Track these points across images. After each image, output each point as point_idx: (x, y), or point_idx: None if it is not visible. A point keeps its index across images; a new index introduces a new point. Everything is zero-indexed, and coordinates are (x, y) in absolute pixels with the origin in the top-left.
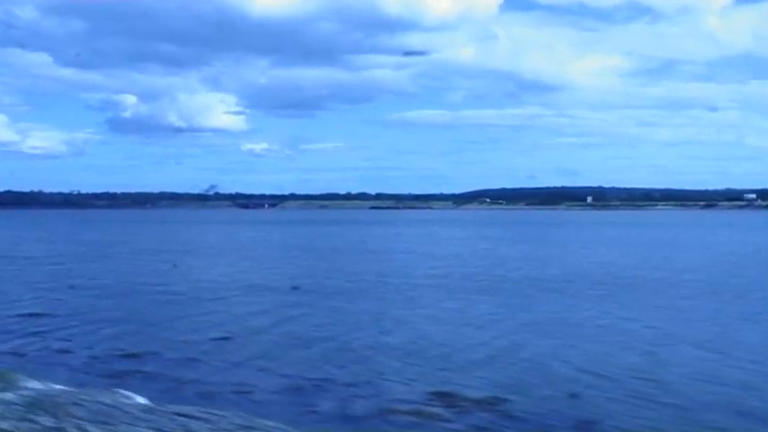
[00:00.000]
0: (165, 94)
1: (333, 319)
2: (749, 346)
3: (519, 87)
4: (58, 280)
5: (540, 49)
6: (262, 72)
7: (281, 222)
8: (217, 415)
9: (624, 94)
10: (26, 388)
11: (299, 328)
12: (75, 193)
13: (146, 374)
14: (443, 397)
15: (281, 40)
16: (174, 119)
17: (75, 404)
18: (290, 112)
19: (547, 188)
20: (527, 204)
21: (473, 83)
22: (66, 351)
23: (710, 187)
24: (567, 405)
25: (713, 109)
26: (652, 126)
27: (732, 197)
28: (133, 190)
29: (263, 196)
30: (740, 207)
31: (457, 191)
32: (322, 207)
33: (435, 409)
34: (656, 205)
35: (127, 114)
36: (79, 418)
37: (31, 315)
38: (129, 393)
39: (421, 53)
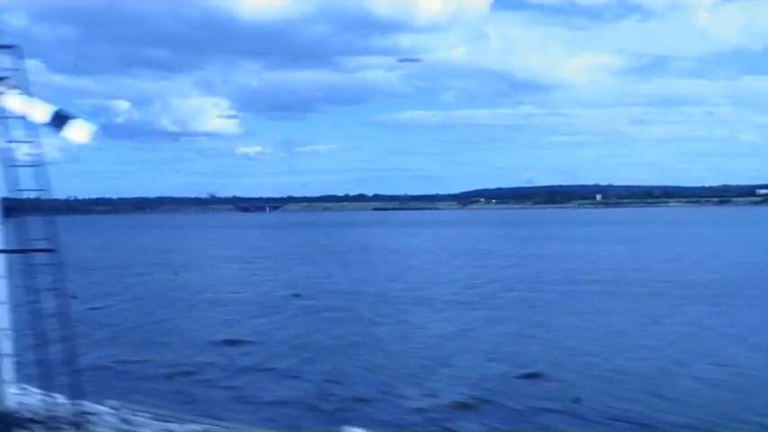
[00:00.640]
0: (158, 98)
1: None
2: None
3: (511, 87)
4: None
5: (532, 49)
6: (254, 75)
7: (300, 225)
8: None
9: (616, 92)
10: None
11: None
12: (72, 198)
13: None
14: None
15: (272, 43)
16: (167, 123)
17: None
18: (283, 115)
19: (543, 187)
20: (534, 203)
21: (465, 83)
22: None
23: (706, 184)
24: None
25: (709, 113)
26: (645, 123)
27: (729, 193)
28: (128, 195)
29: (263, 199)
30: (755, 203)
31: (453, 191)
32: (325, 209)
33: None
34: (668, 202)
35: (120, 120)
36: None
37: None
38: None
39: (415, 60)
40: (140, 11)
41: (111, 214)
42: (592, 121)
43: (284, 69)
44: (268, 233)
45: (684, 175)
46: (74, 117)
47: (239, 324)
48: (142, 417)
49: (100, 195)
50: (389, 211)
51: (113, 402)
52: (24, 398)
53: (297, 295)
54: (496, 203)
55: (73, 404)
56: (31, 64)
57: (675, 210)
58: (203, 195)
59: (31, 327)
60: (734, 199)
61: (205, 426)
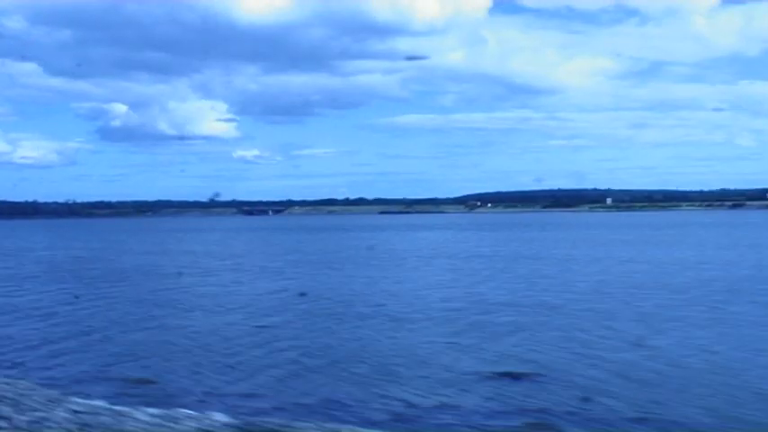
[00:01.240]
0: (155, 102)
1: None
2: None
3: (508, 91)
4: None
5: (529, 53)
6: (251, 79)
7: (316, 229)
8: None
9: (614, 96)
10: None
11: None
12: (71, 202)
13: None
14: None
15: (269, 47)
16: (164, 127)
17: None
18: (281, 119)
19: (542, 191)
20: (543, 207)
21: (463, 87)
22: None
23: (705, 188)
24: None
25: (718, 110)
26: (642, 127)
27: (729, 197)
28: (127, 198)
29: (266, 203)
30: None
31: (451, 194)
32: (329, 213)
33: None
34: (681, 206)
35: (117, 123)
36: None
37: None
38: None
39: (422, 57)
40: (138, 14)
41: (113, 217)
42: (589, 125)
43: (282, 73)
44: (297, 236)
45: (682, 179)
46: None
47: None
48: None
49: (98, 198)
50: (395, 215)
51: None
52: None
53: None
54: (505, 207)
55: None
56: (28, 67)
57: (690, 213)
58: (203, 199)
59: None
60: (747, 203)
61: None
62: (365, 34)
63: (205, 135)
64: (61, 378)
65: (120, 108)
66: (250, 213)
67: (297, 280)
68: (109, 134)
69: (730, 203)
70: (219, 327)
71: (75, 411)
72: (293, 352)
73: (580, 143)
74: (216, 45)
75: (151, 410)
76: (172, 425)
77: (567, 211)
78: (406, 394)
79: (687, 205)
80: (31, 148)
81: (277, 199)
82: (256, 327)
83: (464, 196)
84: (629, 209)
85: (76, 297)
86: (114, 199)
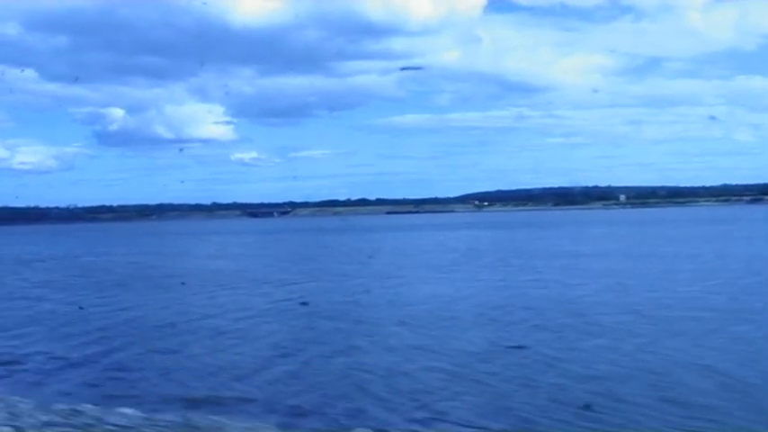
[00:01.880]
0: (152, 106)
1: None
2: None
3: (504, 89)
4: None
5: (524, 51)
6: (247, 81)
7: (331, 230)
8: None
9: (610, 93)
10: None
11: None
12: (72, 207)
13: None
14: None
15: (265, 49)
16: (162, 130)
17: None
18: (278, 121)
19: (541, 189)
20: (555, 205)
21: (458, 86)
22: None
23: (707, 183)
24: None
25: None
26: (639, 124)
27: (730, 192)
28: (126, 202)
29: (270, 205)
30: None
31: (450, 194)
32: (336, 214)
33: None
34: (698, 201)
35: (114, 127)
36: None
37: None
38: None
39: (418, 68)
40: (133, 19)
41: (117, 221)
42: (586, 122)
43: (278, 75)
44: (324, 239)
45: (681, 175)
46: None
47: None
48: None
49: (98, 203)
50: (404, 215)
51: None
52: None
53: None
54: (514, 205)
55: None
56: (25, 73)
57: (709, 208)
58: (204, 201)
59: None
60: (765, 197)
61: None
62: (360, 35)
63: (202, 138)
64: None
65: (117, 112)
66: (255, 216)
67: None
68: (106, 139)
69: (749, 198)
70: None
71: None
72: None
73: (577, 140)
74: (211, 48)
75: None
76: None
77: (580, 209)
78: None
79: (704, 201)
80: (29, 154)
81: (277, 201)
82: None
83: (464, 195)
84: (644, 205)
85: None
86: (114, 203)
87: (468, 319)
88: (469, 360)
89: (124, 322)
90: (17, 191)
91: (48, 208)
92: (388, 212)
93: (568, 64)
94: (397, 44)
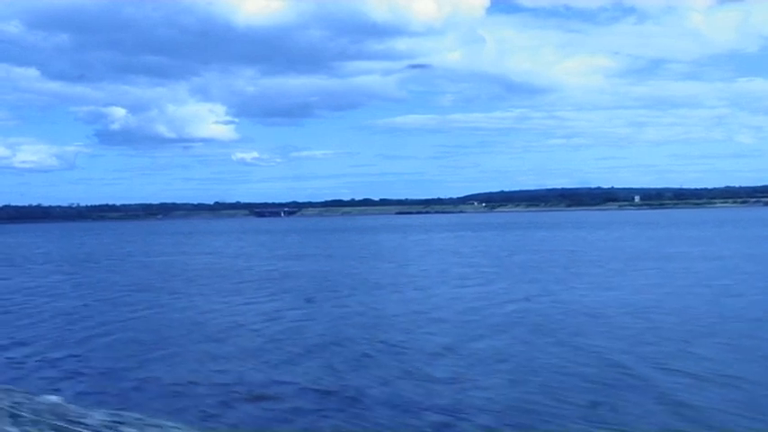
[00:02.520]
0: (154, 105)
1: None
2: None
3: (507, 90)
4: None
5: (527, 52)
6: (250, 81)
7: (345, 229)
8: None
9: (612, 95)
10: None
11: None
12: (75, 206)
13: None
14: None
15: (267, 49)
16: (163, 130)
17: None
18: (279, 120)
19: (547, 190)
20: (567, 206)
21: (461, 87)
22: None
23: (709, 185)
24: None
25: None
26: (641, 126)
27: (734, 194)
28: (128, 201)
29: (273, 204)
30: None
31: (453, 194)
32: (344, 214)
33: None
34: (714, 203)
35: (116, 126)
36: None
37: None
38: None
39: (424, 66)
40: (136, 18)
41: (124, 221)
42: (588, 123)
43: (280, 75)
44: (346, 238)
45: (683, 177)
46: None
47: None
48: None
49: (100, 202)
50: (414, 215)
51: None
52: None
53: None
54: (527, 206)
55: None
56: (27, 71)
57: (729, 210)
58: (206, 201)
59: None
60: None
61: None
62: (363, 35)
63: (204, 138)
64: None
65: (119, 111)
66: (262, 215)
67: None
68: (108, 138)
69: (767, 200)
70: None
71: None
72: None
73: (579, 142)
74: (214, 48)
75: None
76: None
77: (595, 210)
78: None
79: (721, 202)
80: (31, 153)
81: (279, 201)
82: None
83: (467, 196)
84: (661, 206)
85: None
86: (116, 202)
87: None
88: None
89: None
90: (19, 189)
91: (50, 207)
92: (398, 213)
93: (571, 65)
94: (401, 44)
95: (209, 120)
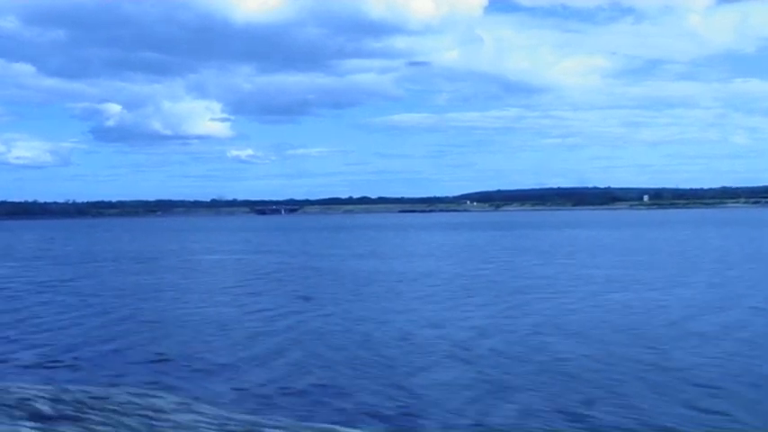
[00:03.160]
0: (150, 102)
1: None
2: None
3: (504, 89)
4: None
5: (524, 51)
6: (246, 78)
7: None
8: None
9: (608, 95)
10: None
11: None
12: (71, 202)
13: None
14: None
15: (264, 47)
16: (158, 126)
17: None
18: (276, 118)
19: (545, 189)
20: (574, 205)
21: (458, 85)
22: None
23: (705, 185)
24: None
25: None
26: (637, 126)
27: (731, 195)
28: (122, 198)
29: (269, 202)
30: None
31: (450, 193)
32: (347, 212)
33: None
34: (727, 203)
35: (111, 123)
36: None
37: None
38: None
39: (424, 63)
40: (133, 14)
41: (124, 217)
42: (584, 123)
43: (277, 73)
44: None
45: (678, 177)
46: None
47: None
48: None
49: (95, 198)
50: (419, 213)
51: None
52: None
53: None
54: (532, 205)
55: None
56: (22, 67)
57: (745, 211)
58: (203, 198)
59: None
60: None
61: None
62: (360, 33)
63: (199, 135)
64: None
65: (114, 108)
66: (262, 212)
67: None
68: (103, 134)
69: None
70: None
71: None
72: None
73: (575, 141)
74: (211, 45)
75: None
76: None
77: (605, 209)
78: None
79: (733, 202)
80: (26, 149)
81: (276, 198)
82: None
83: (463, 195)
84: (672, 206)
85: None
86: (111, 199)
87: None
88: None
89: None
90: (13, 185)
91: (48, 203)
92: (401, 211)
93: (568, 65)
94: (399, 43)
95: (205, 117)
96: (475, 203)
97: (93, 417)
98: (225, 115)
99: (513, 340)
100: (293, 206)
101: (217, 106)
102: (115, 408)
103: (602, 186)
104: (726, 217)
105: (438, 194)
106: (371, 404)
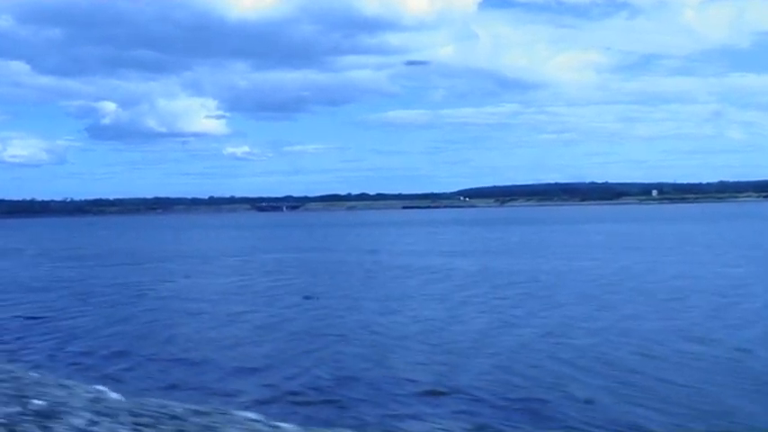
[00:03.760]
0: (145, 99)
1: None
2: None
3: (499, 85)
4: None
5: (520, 47)
6: (242, 75)
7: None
8: None
9: (603, 90)
10: None
11: None
12: (68, 200)
13: None
14: None
15: (260, 44)
16: (154, 124)
17: None
18: (271, 115)
19: (543, 185)
20: (581, 200)
21: (453, 82)
22: None
23: (704, 180)
24: None
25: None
26: (632, 121)
27: (729, 190)
28: (118, 196)
29: (278, 199)
30: None
31: (447, 189)
32: (350, 209)
33: None
34: (738, 197)
35: (106, 121)
36: None
37: None
38: None
39: (423, 63)
40: (128, 12)
41: (125, 215)
42: (579, 119)
43: (272, 70)
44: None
45: (674, 172)
46: None
47: None
48: None
49: (90, 197)
50: (423, 210)
51: None
52: None
53: None
54: (538, 200)
55: None
56: (16, 66)
57: (755, 205)
58: (200, 196)
59: None
60: None
61: None
62: (355, 30)
63: (195, 132)
64: None
65: (110, 106)
66: (264, 210)
67: None
68: (98, 132)
69: None
70: None
71: None
72: None
73: (570, 137)
74: (206, 42)
75: None
76: None
77: (615, 204)
78: None
79: (744, 196)
80: (21, 147)
81: (272, 195)
82: None
83: (461, 191)
84: (682, 200)
85: None
86: (108, 196)
87: None
88: None
89: None
90: (9, 184)
91: (47, 201)
92: (404, 207)
93: (563, 61)
94: (393, 39)
95: (200, 114)
96: (468, 199)
97: None
98: (220, 112)
99: None
100: (294, 203)
101: (212, 104)
102: None
103: (599, 182)
104: (748, 211)
105: (435, 191)
106: None
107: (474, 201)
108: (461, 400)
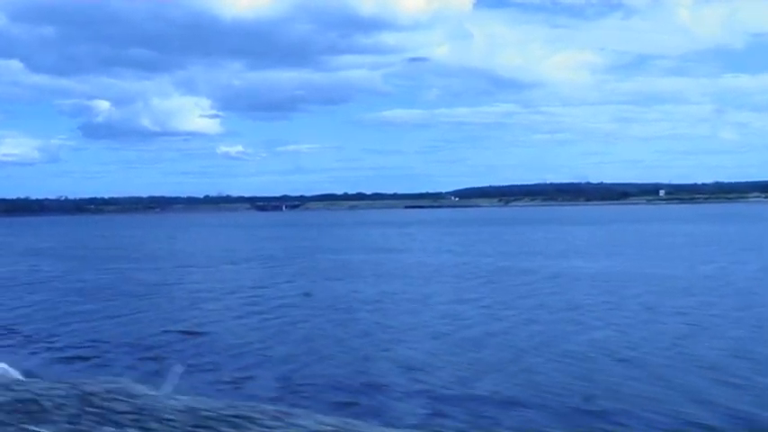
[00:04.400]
0: (139, 98)
1: None
2: None
3: (494, 85)
4: None
5: (514, 47)
6: (236, 75)
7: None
8: None
9: (598, 90)
10: None
11: None
12: (63, 198)
13: None
14: None
15: (254, 43)
16: (147, 123)
17: None
18: (266, 115)
19: (540, 185)
20: (587, 200)
21: (448, 81)
22: None
23: (698, 180)
24: None
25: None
26: (627, 121)
27: (726, 190)
28: (112, 195)
29: (278, 198)
30: None
31: (443, 189)
32: (352, 208)
33: None
34: (747, 197)
35: (100, 120)
36: None
37: None
38: None
39: (423, 59)
40: (123, 11)
41: (123, 214)
42: (573, 119)
43: (266, 69)
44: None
45: (668, 172)
46: None
47: None
48: None
49: (85, 195)
50: (425, 209)
51: None
52: None
53: None
54: (544, 200)
55: None
56: (11, 64)
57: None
58: (195, 195)
59: None
60: None
61: None
62: (350, 29)
63: (189, 131)
64: None
65: (103, 105)
66: (263, 209)
67: None
68: (92, 131)
69: None
70: None
71: None
72: None
73: (565, 137)
74: (200, 41)
75: None
76: None
77: (623, 204)
78: None
79: (754, 197)
80: (14, 145)
81: (268, 194)
82: None
83: (456, 191)
84: (691, 200)
85: None
86: (103, 195)
87: None
88: None
89: None
90: (3, 183)
91: (44, 200)
92: (407, 207)
93: (558, 60)
94: (388, 39)
95: (194, 113)
96: (457, 199)
97: None
98: (214, 112)
99: None
100: (293, 202)
101: (206, 103)
102: None
103: (594, 182)
104: (761, 212)
105: (431, 190)
106: None
107: (476, 201)
108: None
